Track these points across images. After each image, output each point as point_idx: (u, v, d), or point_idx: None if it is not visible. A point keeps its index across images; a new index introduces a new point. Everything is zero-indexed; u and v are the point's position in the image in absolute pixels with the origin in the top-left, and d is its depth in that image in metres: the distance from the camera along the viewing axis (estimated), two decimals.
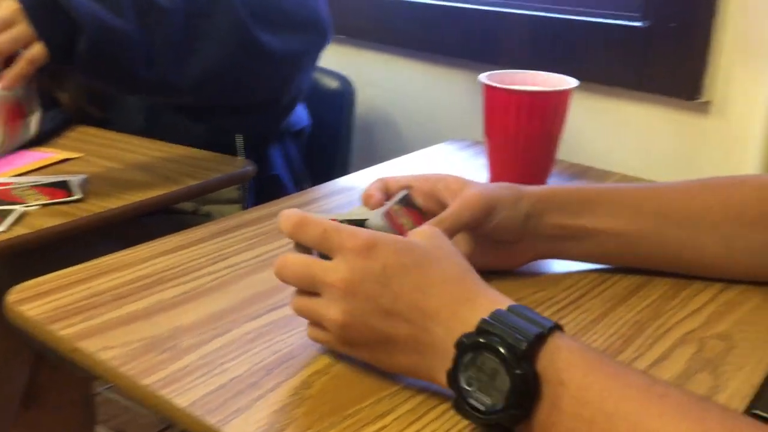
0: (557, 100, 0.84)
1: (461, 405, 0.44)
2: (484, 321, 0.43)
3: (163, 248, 0.70)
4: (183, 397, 0.49)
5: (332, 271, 0.48)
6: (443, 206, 0.61)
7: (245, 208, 1.07)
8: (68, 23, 0.80)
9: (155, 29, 0.86)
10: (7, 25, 0.78)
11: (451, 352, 0.44)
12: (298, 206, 0.81)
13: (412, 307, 0.47)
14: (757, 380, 0.52)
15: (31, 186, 0.83)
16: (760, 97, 0.95)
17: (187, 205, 1.14)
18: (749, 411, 0.50)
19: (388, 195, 0.62)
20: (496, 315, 0.43)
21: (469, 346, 0.43)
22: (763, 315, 0.61)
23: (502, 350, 0.41)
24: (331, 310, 0.48)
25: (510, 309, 0.44)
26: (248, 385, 0.50)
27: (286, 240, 0.72)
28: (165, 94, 0.94)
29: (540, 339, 0.42)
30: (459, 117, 1.27)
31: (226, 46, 0.91)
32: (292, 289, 0.62)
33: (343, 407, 0.48)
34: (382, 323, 0.47)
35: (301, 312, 0.53)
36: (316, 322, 0.52)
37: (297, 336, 0.56)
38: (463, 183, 0.62)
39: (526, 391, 0.41)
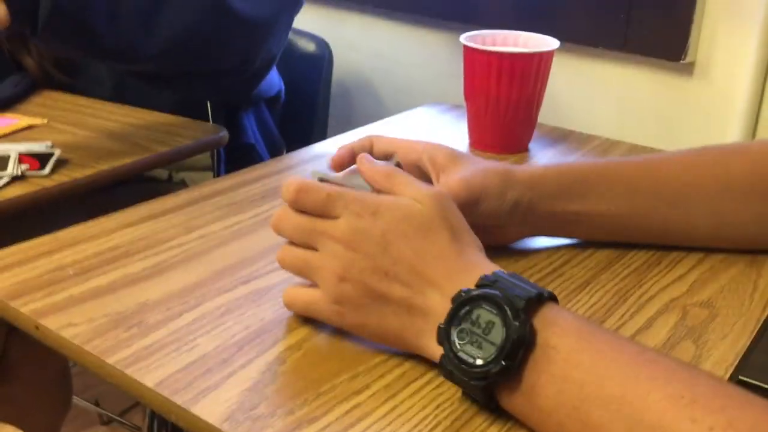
0: (538, 62, 0.82)
1: (449, 360, 0.43)
2: (485, 276, 0.44)
3: (130, 219, 0.67)
4: (150, 376, 0.47)
5: (334, 227, 0.48)
6: (428, 178, 0.60)
7: (216, 176, 1.05)
8: None
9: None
10: None
11: (443, 316, 0.44)
12: (273, 174, 0.79)
13: (410, 271, 0.47)
14: (739, 348, 0.51)
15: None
16: (744, 58, 0.93)
17: (161, 173, 1.12)
18: (735, 378, 0.49)
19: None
20: (497, 273, 0.44)
21: (467, 300, 0.43)
22: (745, 282, 0.60)
23: (502, 302, 0.42)
24: (328, 261, 0.48)
25: (511, 274, 0.45)
26: (219, 362, 0.48)
27: (260, 209, 0.70)
28: (130, 61, 0.89)
29: (538, 300, 0.42)
30: (439, 80, 1.25)
31: (194, 11, 0.87)
32: (264, 261, 0.60)
33: (317, 384, 0.47)
34: (378, 282, 0.47)
35: (293, 264, 0.51)
36: (307, 275, 0.50)
37: (270, 310, 0.54)
38: (450, 159, 0.59)
39: (521, 342, 0.40)
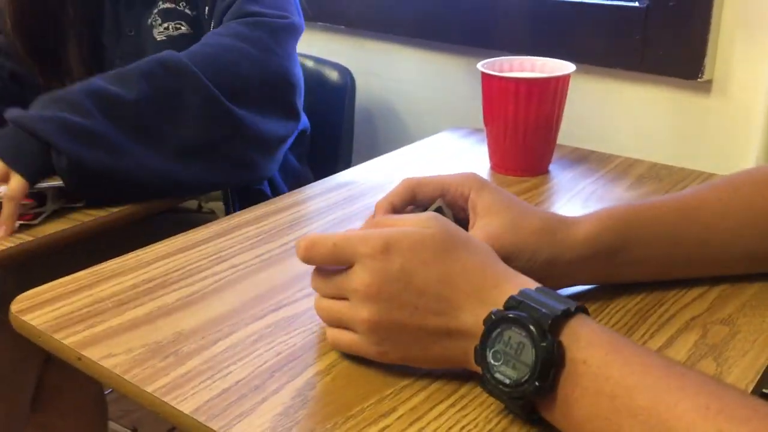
0: (555, 86, 0.83)
1: (487, 380, 0.45)
2: (512, 297, 0.45)
3: (165, 251, 0.70)
4: (187, 403, 0.49)
5: (352, 278, 0.49)
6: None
7: (228, 212, 1.07)
8: (37, 145, 0.79)
9: (124, 122, 0.83)
10: None
11: (479, 336, 0.45)
12: (300, 203, 0.81)
13: (438, 299, 0.47)
14: (760, 365, 0.52)
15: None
16: (761, 75, 0.94)
17: (191, 203, 1.15)
18: (757, 392, 0.50)
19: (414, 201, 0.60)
20: (524, 292, 0.45)
21: (496, 321, 0.44)
22: (765, 299, 0.60)
23: (528, 324, 0.42)
24: (359, 312, 0.49)
25: (537, 289, 0.46)
26: (251, 388, 0.50)
27: (288, 237, 0.72)
28: (145, 181, 0.87)
29: (566, 315, 0.43)
30: (460, 105, 1.27)
31: (201, 122, 0.88)
32: (293, 289, 0.63)
33: (346, 407, 0.48)
34: (410, 318, 0.48)
35: (328, 317, 0.53)
36: (343, 326, 0.52)
37: (299, 336, 0.56)
38: (488, 208, 0.57)
39: (551, 363, 0.42)
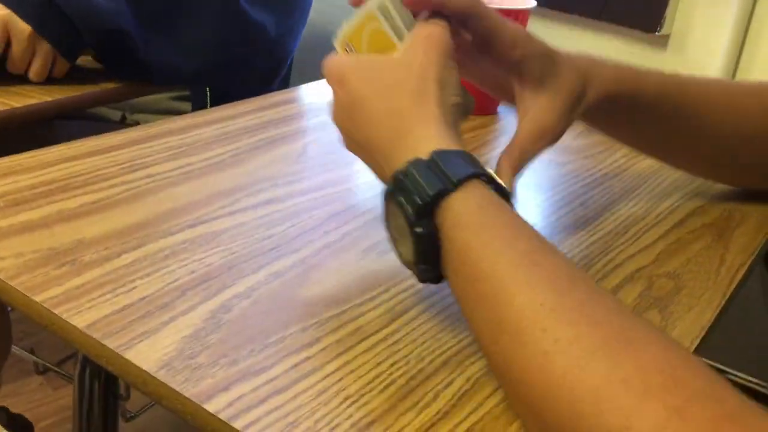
0: (514, 20, 0.78)
1: (393, 249, 0.45)
2: (396, 172, 0.42)
3: (72, 153, 0.62)
4: (82, 317, 0.43)
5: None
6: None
7: None
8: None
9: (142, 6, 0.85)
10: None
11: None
12: (226, 119, 0.74)
13: (366, 139, 0.47)
14: (705, 322, 0.50)
15: None
16: (719, 34, 0.92)
17: (113, 113, 1.05)
18: (700, 355, 0.47)
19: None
20: (410, 165, 0.42)
21: (386, 195, 0.43)
22: (712, 256, 0.58)
23: (405, 206, 0.41)
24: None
25: (431, 156, 0.42)
26: (158, 306, 0.45)
27: (212, 152, 0.66)
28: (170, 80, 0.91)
29: (440, 196, 0.41)
30: None
31: (214, 19, 0.89)
32: (215, 206, 0.57)
33: (265, 335, 0.43)
34: (353, 148, 0.49)
35: None
36: None
37: (218, 256, 0.50)
38: (540, 79, 0.51)
39: (429, 249, 0.41)
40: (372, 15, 0.49)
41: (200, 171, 0.62)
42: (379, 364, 0.42)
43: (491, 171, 0.44)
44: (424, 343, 0.44)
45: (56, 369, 1.32)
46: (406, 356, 0.43)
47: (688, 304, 0.51)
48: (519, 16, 0.79)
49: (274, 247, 0.52)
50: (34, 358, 1.33)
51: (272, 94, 0.83)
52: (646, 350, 0.33)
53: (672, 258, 0.57)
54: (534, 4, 0.80)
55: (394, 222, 0.44)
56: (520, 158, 0.50)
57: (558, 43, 0.53)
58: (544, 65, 0.52)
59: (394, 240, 0.44)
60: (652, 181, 0.71)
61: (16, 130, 0.73)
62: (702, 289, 0.53)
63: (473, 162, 0.42)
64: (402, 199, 0.41)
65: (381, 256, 0.53)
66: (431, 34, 0.47)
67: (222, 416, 0.37)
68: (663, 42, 0.96)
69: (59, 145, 0.63)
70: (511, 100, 0.54)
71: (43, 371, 1.35)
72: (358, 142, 0.47)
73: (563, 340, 0.34)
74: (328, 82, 0.48)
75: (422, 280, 0.43)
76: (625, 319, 0.35)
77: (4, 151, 0.60)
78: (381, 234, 0.56)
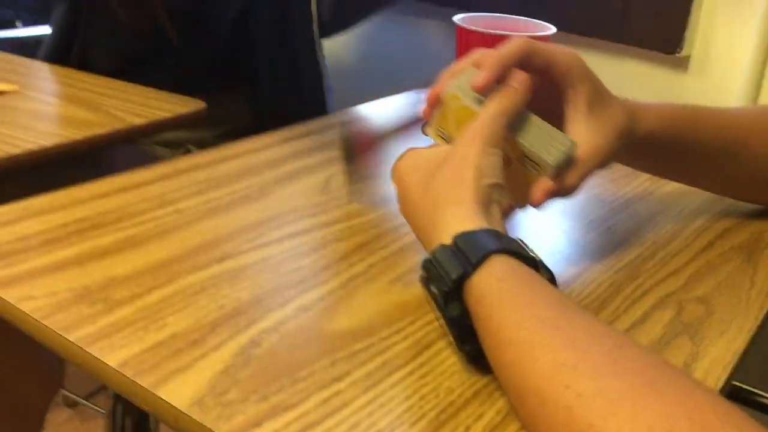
0: None
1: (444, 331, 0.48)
2: (425, 261, 0.46)
3: (102, 190, 0.63)
4: (115, 355, 0.43)
5: None
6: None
7: None
8: None
9: None
10: None
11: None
12: (251, 151, 0.75)
13: (414, 226, 0.51)
14: (737, 347, 0.49)
15: None
16: (741, 53, 0.91)
17: (164, 151, 1.06)
18: (730, 380, 0.47)
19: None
20: (436, 252, 0.45)
21: (422, 280, 0.47)
22: (742, 278, 0.57)
23: (435, 293, 0.45)
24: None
25: (453, 240, 0.44)
26: (189, 342, 0.45)
27: (238, 185, 0.67)
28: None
29: (463, 278, 0.43)
30: (428, 66, 1.21)
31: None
32: (241, 239, 0.57)
33: (294, 369, 0.44)
34: (415, 233, 0.52)
35: None
36: None
37: (246, 290, 0.51)
38: (590, 107, 0.54)
39: (464, 330, 0.44)
40: (453, 95, 0.53)
41: (226, 205, 0.63)
42: (408, 397, 0.42)
43: (520, 241, 0.45)
44: (452, 375, 0.44)
45: (86, 402, 1.33)
46: (435, 389, 0.43)
47: (719, 329, 0.51)
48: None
49: (301, 281, 0.53)
50: (64, 391, 1.34)
51: (295, 127, 0.84)
52: (672, 397, 0.33)
53: (701, 282, 0.57)
54: (554, 30, 0.81)
55: (432, 307, 0.47)
56: (573, 177, 0.53)
57: None
58: (596, 92, 0.54)
59: (439, 321, 0.47)
60: (678, 203, 0.70)
61: (49, 168, 0.75)
62: (733, 313, 0.53)
63: (495, 238, 0.44)
64: (432, 286, 0.45)
65: (406, 287, 0.53)
66: (477, 125, 0.49)
67: None
68: (684, 63, 0.96)
69: (89, 182, 0.64)
70: (561, 124, 0.55)
71: (72, 404, 1.36)
72: (413, 228, 0.52)
73: (586, 395, 0.34)
74: (390, 173, 0.54)
75: (473, 360, 0.45)
76: (651, 367, 0.35)
77: (38, 189, 0.62)
78: (406, 265, 0.56)
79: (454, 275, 0.43)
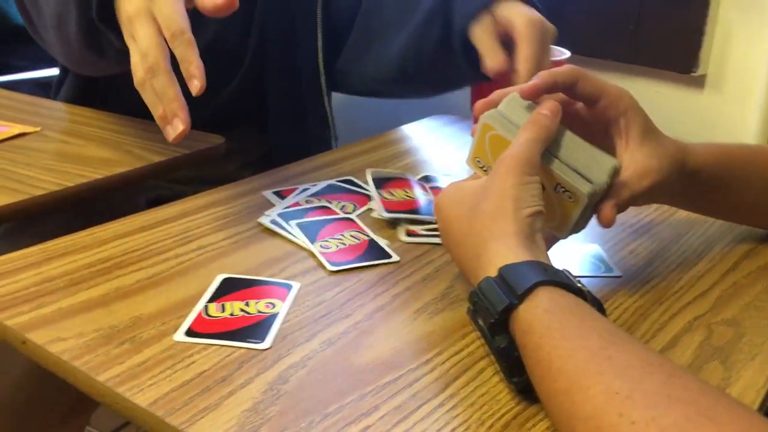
0: None
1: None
2: (472, 294, 0.47)
3: (124, 229, 0.64)
4: (144, 395, 0.43)
5: None
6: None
7: None
8: None
9: None
10: None
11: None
12: (270, 185, 0.76)
13: (458, 260, 0.53)
14: None
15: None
16: (757, 71, 0.91)
17: (187, 189, 1.07)
18: (763, 405, 0.46)
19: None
20: (481, 285, 0.46)
21: (469, 313, 0.49)
22: None
23: (481, 326, 0.46)
24: None
25: (498, 273, 0.45)
26: (217, 380, 0.45)
27: (260, 220, 0.67)
28: None
29: (508, 310, 0.44)
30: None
31: None
32: (264, 274, 0.57)
33: (323, 405, 0.43)
34: (458, 266, 0.54)
35: None
36: None
37: None
38: (642, 136, 0.55)
39: (512, 361, 0.44)
40: (487, 125, 0.55)
41: (248, 239, 0.64)
42: (439, 430, 0.42)
43: (566, 271, 0.46)
44: (482, 406, 0.44)
45: None
46: (465, 421, 0.43)
47: (750, 352, 0.50)
48: (554, 66, 0.79)
49: (326, 314, 0.53)
50: (90, 428, 1.34)
51: (314, 157, 0.85)
52: (728, 427, 0.33)
53: (729, 304, 0.56)
54: (568, 54, 0.81)
55: (481, 341, 0.49)
56: (626, 195, 0.53)
57: None
58: (647, 123, 0.56)
59: (489, 354, 0.48)
60: (700, 225, 0.70)
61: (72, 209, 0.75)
62: (763, 335, 0.52)
63: (541, 270, 0.44)
64: (479, 320, 0.46)
65: (431, 317, 0.53)
66: (512, 154, 0.50)
67: None
68: (699, 82, 0.96)
69: (110, 222, 0.65)
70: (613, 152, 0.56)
71: None
72: (455, 260, 0.53)
73: (641, 423, 0.34)
74: (433, 207, 0.55)
75: (521, 392, 0.45)
76: (705, 396, 0.35)
77: (62, 230, 0.62)
78: (431, 295, 0.56)
79: (499, 307, 0.43)
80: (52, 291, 0.54)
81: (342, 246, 0.62)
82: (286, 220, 0.66)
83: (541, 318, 0.42)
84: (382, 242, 0.63)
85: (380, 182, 0.73)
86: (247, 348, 0.48)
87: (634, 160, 0.54)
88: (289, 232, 0.64)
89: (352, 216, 0.68)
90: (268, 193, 0.73)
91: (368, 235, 0.64)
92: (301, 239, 0.62)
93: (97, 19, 0.65)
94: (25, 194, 0.70)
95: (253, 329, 0.51)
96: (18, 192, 0.69)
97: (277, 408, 0.43)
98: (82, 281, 0.55)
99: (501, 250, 0.46)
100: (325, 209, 0.69)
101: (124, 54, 0.61)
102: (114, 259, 0.59)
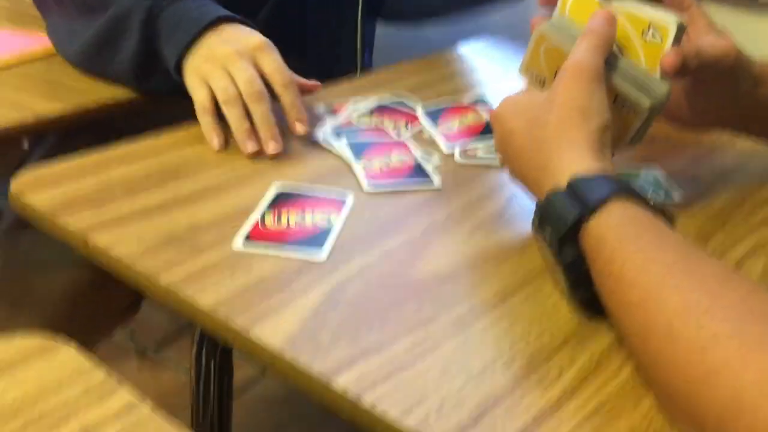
0: None
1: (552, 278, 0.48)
2: (538, 207, 0.46)
3: (179, 139, 0.64)
4: (206, 297, 0.44)
5: None
6: None
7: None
8: None
9: None
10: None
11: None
12: (332, 97, 0.75)
13: (518, 170, 0.51)
14: None
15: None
16: None
17: None
18: None
19: None
20: (550, 196, 0.45)
21: (533, 230, 0.47)
22: None
23: (548, 238, 0.44)
24: None
25: (569, 183, 0.44)
26: (276, 287, 0.46)
27: (311, 135, 0.66)
28: None
29: (580, 221, 0.42)
30: (498, 11, 1.18)
31: None
32: (315, 187, 0.57)
33: (382, 313, 0.44)
34: (514, 177, 0.53)
35: None
36: None
37: None
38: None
39: (578, 274, 0.43)
40: (542, 36, 0.54)
41: (299, 154, 0.63)
42: (498, 341, 0.42)
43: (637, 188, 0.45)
44: (541, 321, 0.44)
45: (155, 353, 1.37)
46: (524, 334, 0.43)
47: None
48: None
49: (381, 228, 0.53)
50: (133, 343, 1.38)
51: (362, 77, 0.83)
52: None
53: None
54: None
55: (544, 253, 0.47)
56: (692, 50, 0.51)
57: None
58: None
59: (549, 268, 0.47)
60: (764, 154, 0.67)
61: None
62: None
63: (614, 182, 0.43)
64: (545, 231, 0.44)
65: (489, 234, 0.53)
66: (577, 63, 0.48)
67: (349, 393, 0.38)
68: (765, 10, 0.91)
69: (167, 131, 0.65)
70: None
71: (141, 354, 1.40)
72: (514, 172, 0.52)
73: (722, 336, 0.34)
74: (490, 119, 0.53)
75: (583, 308, 0.44)
76: None
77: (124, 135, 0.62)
78: (487, 213, 0.55)
79: (570, 218, 0.42)
80: (111, 196, 0.54)
81: (387, 167, 0.61)
82: (337, 137, 0.65)
83: (614, 230, 0.41)
84: (432, 165, 0.62)
85: (434, 115, 0.72)
86: (305, 258, 0.49)
87: (705, 34, 0.53)
88: (338, 149, 0.63)
89: (403, 137, 0.67)
90: (320, 109, 0.72)
91: (415, 159, 0.63)
92: (348, 156, 0.62)
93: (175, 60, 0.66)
94: (76, 105, 0.70)
95: (309, 240, 0.51)
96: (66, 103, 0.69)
97: (337, 315, 0.43)
98: (140, 188, 0.56)
99: (571, 162, 0.45)
100: (376, 129, 0.69)
101: (170, 83, 0.66)
102: (170, 168, 0.59)
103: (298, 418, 1.22)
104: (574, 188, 0.44)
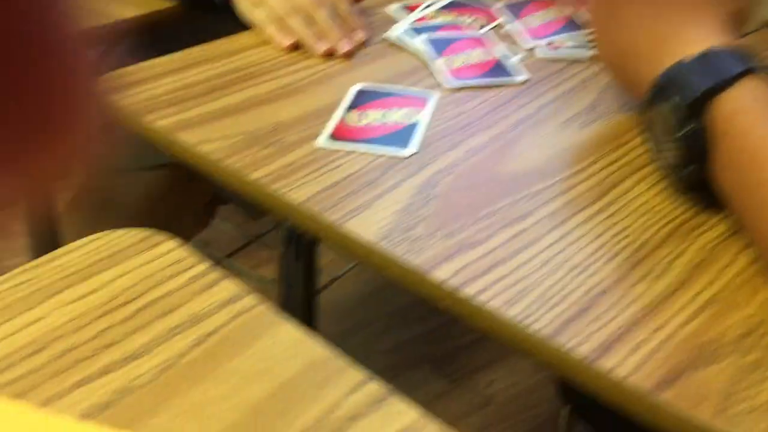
0: None
1: (656, 157, 0.45)
2: (660, 76, 0.42)
3: (255, 41, 0.62)
4: (296, 193, 0.44)
5: None
6: None
7: None
8: None
9: None
10: None
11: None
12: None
13: (625, 43, 0.47)
14: None
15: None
16: None
17: None
18: None
19: None
20: (676, 66, 0.42)
21: (647, 102, 0.43)
22: None
23: (671, 108, 0.41)
24: None
25: (700, 55, 0.41)
26: (364, 183, 0.45)
27: (387, 35, 0.63)
28: None
29: (711, 93, 0.40)
30: None
31: None
32: (401, 84, 0.55)
33: (475, 209, 0.42)
34: (607, 55, 0.50)
35: None
36: None
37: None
38: None
39: (696, 148, 0.40)
40: None
41: (376, 54, 0.61)
42: (599, 235, 0.40)
43: None
44: (644, 214, 0.42)
45: (227, 262, 1.40)
46: (626, 228, 0.41)
47: None
48: None
49: (467, 124, 0.51)
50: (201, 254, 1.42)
51: None
52: None
53: None
54: None
55: (658, 126, 0.43)
56: None
57: None
58: None
59: (658, 144, 0.44)
60: None
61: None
62: None
63: (750, 58, 0.41)
64: (667, 102, 0.41)
65: (582, 128, 0.50)
66: None
67: (449, 285, 0.37)
68: None
69: (241, 33, 0.63)
70: None
71: (216, 263, 1.44)
72: (615, 46, 0.48)
73: None
74: None
75: (685, 187, 0.42)
76: None
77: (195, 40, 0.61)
78: (580, 105, 0.53)
79: (700, 89, 0.40)
80: (193, 96, 0.53)
81: (468, 63, 0.59)
82: (414, 35, 0.63)
83: (751, 105, 0.39)
84: (515, 60, 0.59)
85: (515, 9, 0.68)
86: (391, 155, 0.47)
87: None
88: (415, 47, 0.61)
89: (482, 32, 0.64)
90: (396, 8, 0.69)
91: (497, 54, 0.60)
92: (427, 53, 0.59)
93: None
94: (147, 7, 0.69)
95: (394, 136, 0.49)
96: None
97: (429, 210, 0.42)
98: (221, 88, 0.55)
99: (702, 35, 0.43)
100: (453, 25, 0.66)
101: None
102: (248, 69, 0.58)
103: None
104: (708, 60, 0.41)
